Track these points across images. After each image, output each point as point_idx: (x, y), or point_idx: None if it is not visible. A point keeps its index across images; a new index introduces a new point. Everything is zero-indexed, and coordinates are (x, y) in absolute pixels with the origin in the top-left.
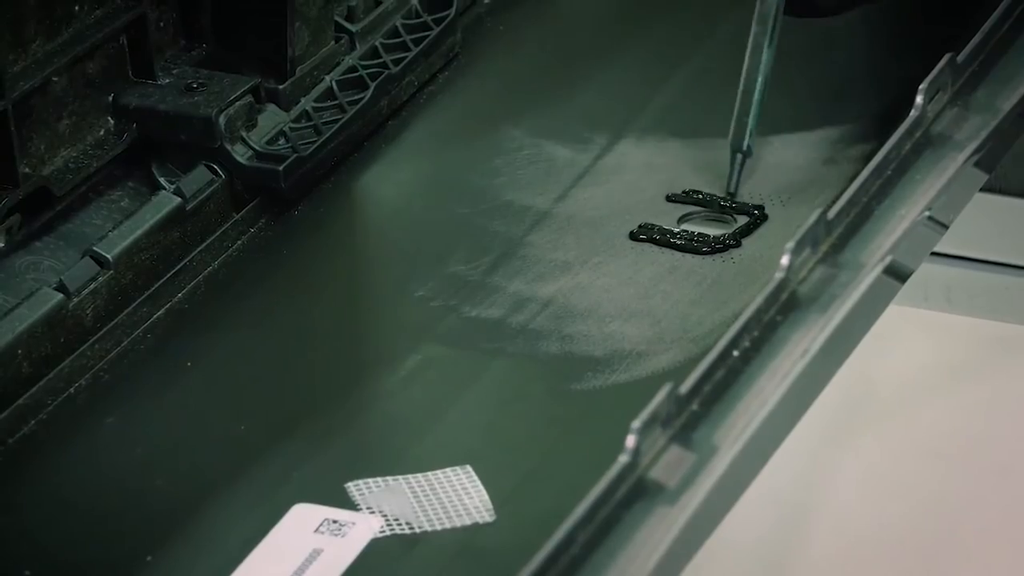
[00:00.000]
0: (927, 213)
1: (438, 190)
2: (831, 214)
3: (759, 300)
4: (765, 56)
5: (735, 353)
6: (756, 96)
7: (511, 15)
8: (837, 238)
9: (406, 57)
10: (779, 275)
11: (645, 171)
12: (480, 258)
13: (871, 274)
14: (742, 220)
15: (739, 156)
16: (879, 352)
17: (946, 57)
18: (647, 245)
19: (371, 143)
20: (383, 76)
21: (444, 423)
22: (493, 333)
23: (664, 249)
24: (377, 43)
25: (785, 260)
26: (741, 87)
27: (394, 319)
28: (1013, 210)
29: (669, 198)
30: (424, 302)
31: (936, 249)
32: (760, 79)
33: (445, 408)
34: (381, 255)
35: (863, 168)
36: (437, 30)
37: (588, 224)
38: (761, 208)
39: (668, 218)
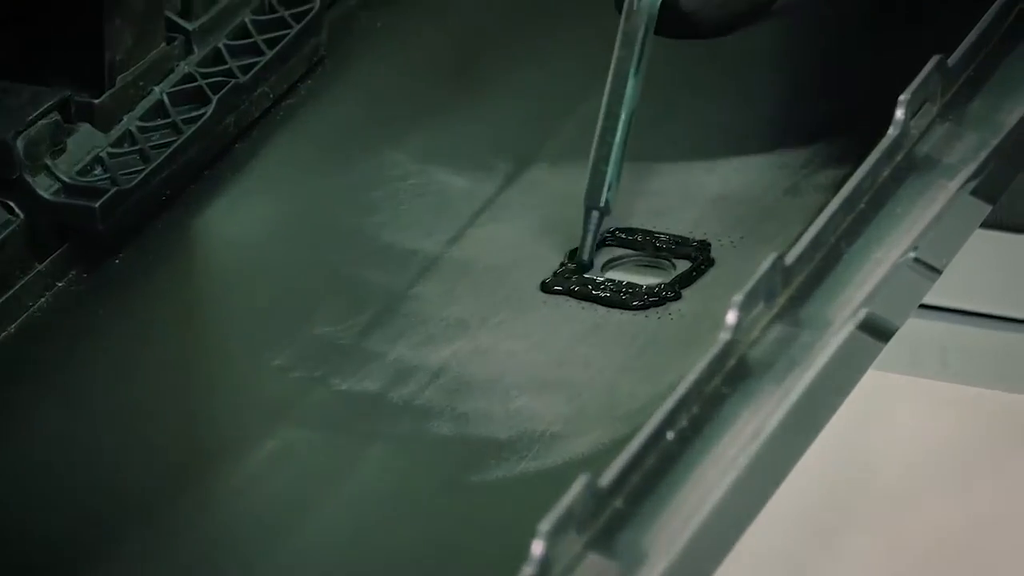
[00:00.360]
0: (913, 254)
1: (299, 231)
2: (790, 258)
3: (700, 367)
4: (630, 87)
5: (670, 435)
6: (618, 137)
7: (391, 8)
8: (798, 288)
9: (258, 62)
10: (725, 336)
11: (562, 204)
12: (353, 316)
13: (842, 332)
14: (683, 266)
15: (595, 214)
16: (858, 433)
17: (934, 60)
18: (563, 299)
19: (214, 171)
20: (228, 87)
21: (307, 526)
22: (370, 412)
23: (585, 303)
24: (220, 45)
25: (732, 317)
26: (599, 127)
27: (244, 395)
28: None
29: None
30: (282, 373)
31: (926, 300)
32: (624, 115)
33: (308, 507)
34: (227, 314)
35: (832, 199)
36: (297, 28)
37: (489, 272)
38: (706, 250)
39: (592, 263)
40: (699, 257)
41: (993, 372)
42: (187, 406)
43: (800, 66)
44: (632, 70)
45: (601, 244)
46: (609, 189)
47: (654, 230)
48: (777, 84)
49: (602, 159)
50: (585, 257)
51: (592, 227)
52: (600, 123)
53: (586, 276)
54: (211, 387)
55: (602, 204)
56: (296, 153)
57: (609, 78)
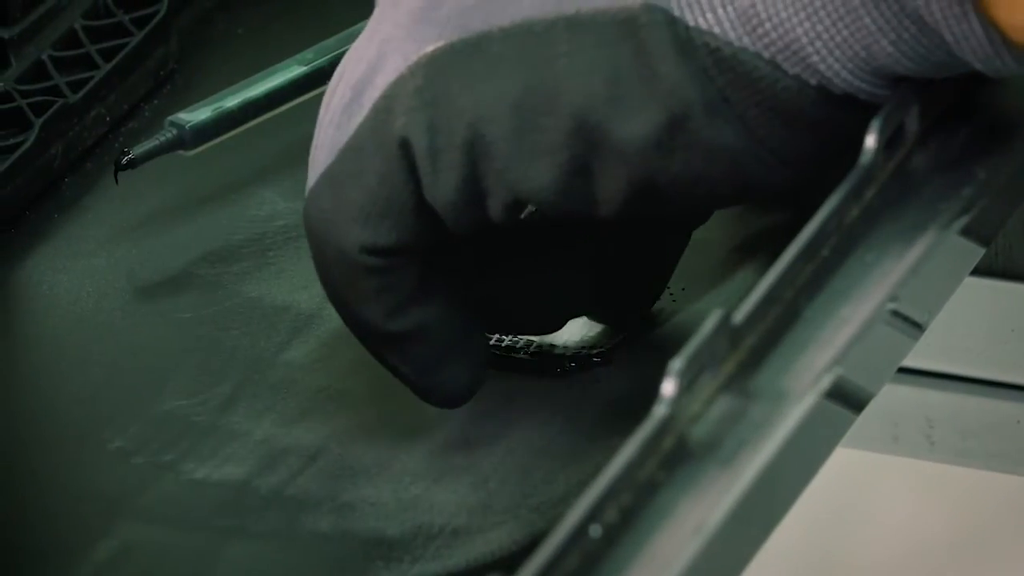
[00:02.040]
0: (891, 306)
1: (143, 284)
2: (739, 316)
3: (631, 448)
4: None
5: (595, 530)
6: None
7: (254, 11)
8: (749, 352)
9: (91, 78)
10: (661, 410)
11: None
12: (211, 388)
13: (803, 403)
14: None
15: None
16: (828, 526)
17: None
18: None
19: (38, 212)
20: (54, 108)
21: None
22: (231, 504)
23: (495, 371)
24: (45, 56)
25: (669, 387)
26: None
27: (76, 485)
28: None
29: None
30: (123, 457)
31: (907, 363)
32: None
33: None
34: (55, 386)
35: (789, 245)
36: (140, 36)
37: None
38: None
39: None
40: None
41: (989, 450)
42: (5, 500)
43: None
44: None
45: None
46: None
47: None
48: None
49: None
50: None
51: None
52: None
53: (498, 338)
54: (35, 476)
55: None
56: (139, 190)
57: None
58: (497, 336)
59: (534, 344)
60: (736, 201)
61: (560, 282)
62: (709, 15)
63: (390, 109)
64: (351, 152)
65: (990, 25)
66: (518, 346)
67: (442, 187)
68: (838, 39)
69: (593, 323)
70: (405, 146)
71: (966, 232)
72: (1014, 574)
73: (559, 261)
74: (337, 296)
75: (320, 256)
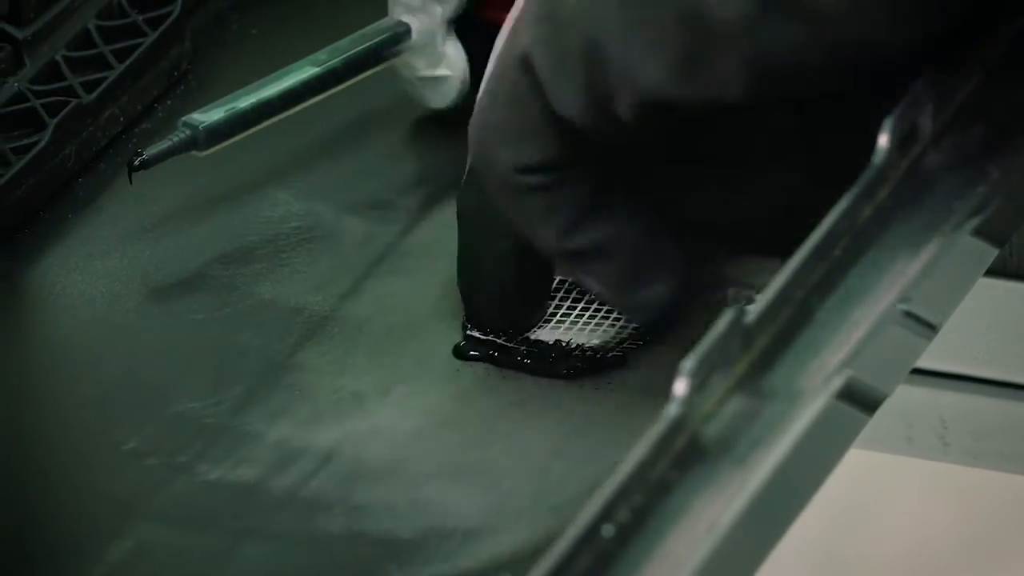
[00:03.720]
0: (903, 307)
1: (158, 285)
2: (751, 316)
3: (644, 448)
4: None
5: (608, 530)
6: None
7: (267, 11)
8: (762, 352)
9: (105, 78)
10: (673, 410)
11: None
12: (224, 389)
13: (816, 403)
14: (628, 323)
15: None
16: (841, 527)
17: (925, 76)
18: (481, 366)
19: (51, 212)
20: (69, 108)
21: None
22: (244, 505)
23: (507, 371)
24: (59, 57)
25: (681, 387)
26: None
27: (89, 486)
28: None
29: None
30: (137, 458)
31: (920, 364)
32: None
33: None
34: (68, 387)
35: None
36: (153, 36)
37: (391, 334)
38: None
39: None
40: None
41: (1002, 451)
42: (19, 501)
43: None
44: None
45: None
46: None
47: None
48: None
49: None
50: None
51: None
52: None
53: (510, 337)
54: (48, 477)
55: None
56: (152, 190)
57: None
58: (513, 337)
59: (551, 345)
60: (856, 74)
61: (762, 192)
62: None
63: (515, 31)
64: (491, 80)
65: None
66: (533, 348)
67: (567, 97)
68: None
69: (607, 326)
70: (526, 63)
71: (980, 232)
72: None
73: (757, 168)
74: (513, 221)
75: (485, 185)
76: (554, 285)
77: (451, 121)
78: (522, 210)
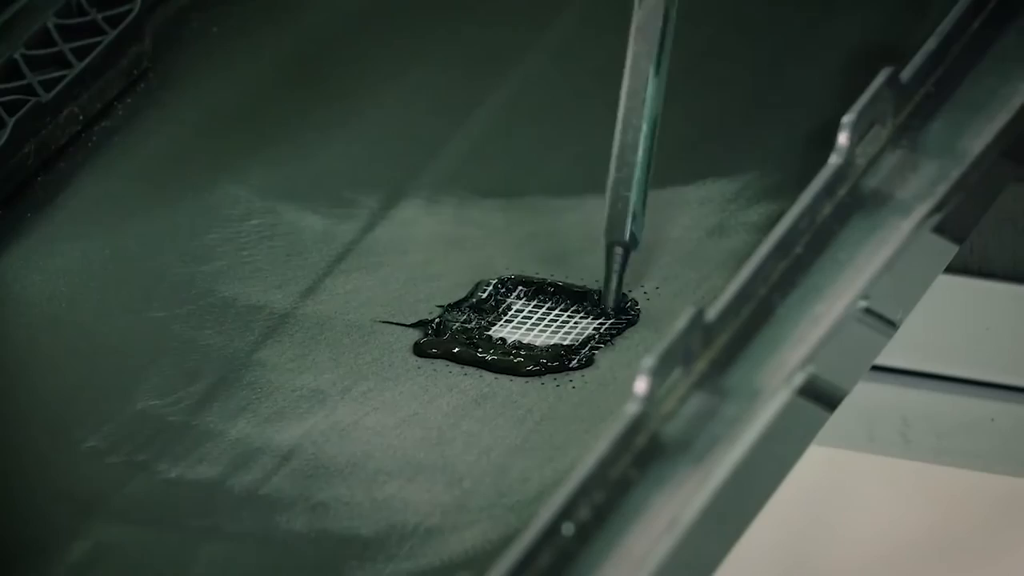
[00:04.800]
0: (863, 304)
1: (117, 283)
2: (712, 313)
3: (604, 446)
4: (651, 91)
5: (568, 528)
6: (640, 155)
7: (228, 9)
8: (722, 349)
9: (64, 77)
10: (633, 408)
11: (440, 248)
12: (184, 387)
13: (776, 400)
14: (588, 323)
15: (618, 251)
16: (803, 526)
17: (883, 73)
18: (442, 363)
19: (10, 211)
20: (28, 106)
21: None
22: (205, 503)
23: (468, 368)
24: (17, 55)
25: (642, 385)
26: (616, 143)
27: (49, 485)
28: (999, 301)
29: (478, 289)
30: (97, 457)
31: (881, 361)
32: (646, 127)
33: None
34: (27, 386)
35: (762, 241)
36: (113, 34)
37: (351, 331)
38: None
39: (477, 321)
40: (607, 311)
41: (964, 448)
42: None
43: (725, 80)
44: (652, 69)
45: (488, 298)
46: (634, 219)
47: (550, 279)
48: (696, 104)
49: (622, 183)
50: (610, 303)
51: (617, 267)
52: (617, 139)
53: (470, 335)
54: (7, 477)
55: (626, 237)
56: (112, 188)
57: (624, 81)
58: (474, 336)
59: (511, 343)
60: None
61: None
62: None
63: None
64: None
65: None
66: (493, 345)
67: None
68: None
69: (572, 328)
70: None
71: (939, 230)
72: (989, 572)
73: None
74: None
75: None
76: (519, 288)
77: (413, 120)
78: None
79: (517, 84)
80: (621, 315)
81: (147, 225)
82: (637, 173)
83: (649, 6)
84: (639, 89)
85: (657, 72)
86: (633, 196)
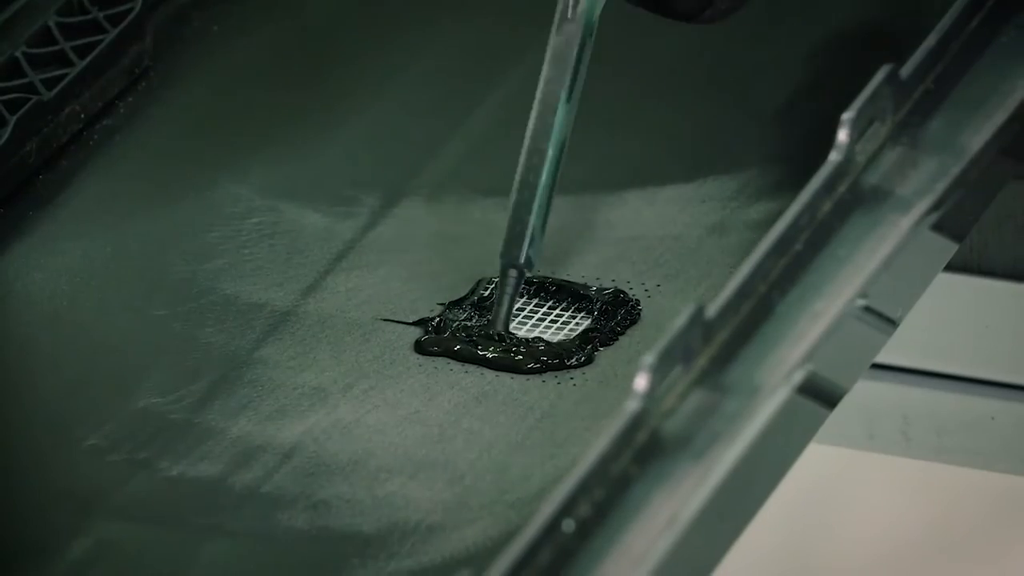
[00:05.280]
0: (863, 302)
1: (118, 281)
2: (712, 310)
3: (604, 443)
4: (560, 117)
5: (568, 525)
6: (544, 179)
7: (229, 8)
8: (722, 346)
9: (65, 75)
10: (633, 405)
11: (441, 246)
12: (186, 385)
13: (775, 398)
14: (589, 320)
15: (512, 273)
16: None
17: (883, 70)
18: (443, 361)
19: (12, 210)
20: (29, 105)
21: None
22: (206, 501)
23: (469, 366)
24: (19, 53)
25: (642, 382)
26: (521, 165)
27: (50, 483)
28: (999, 299)
29: (479, 287)
30: (98, 455)
31: (881, 359)
32: (551, 152)
33: None
34: (29, 383)
35: (762, 239)
36: (114, 33)
37: (352, 329)
38: (620, 301)
39: (478, 319)
40: (609, 309)
41: (965, 446)
42: None
43: (725, 81)
44: (564, 95)
45: (489, 296)
46: (531, 243)
47: (552, 277)
48: (697, 103)
49: (523, 205)
50: (499, 326)
51: (510, 289)
52: (522, 161)
53: (471, 332)
54: (8, 475)
55: (522, 260)
56: (113, 187)
57: (534, 105)
58: (474, 334)
59: (511, 341)
60: None
61: None
62: None
63: None
64: None
65: None
66: (494, 343)
67: None
68: None
69: (568, 324)
70: None
71: (939, 227)
72: (989, 570)
73: None
74: None
75: None
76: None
77: (414, 119)
78: None
79: (517, 83)
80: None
81: (148, 223)
82: (538, 197)
83: (566, 33)
84: (548, 114)
85: (568, 99)
86: (532, 219)
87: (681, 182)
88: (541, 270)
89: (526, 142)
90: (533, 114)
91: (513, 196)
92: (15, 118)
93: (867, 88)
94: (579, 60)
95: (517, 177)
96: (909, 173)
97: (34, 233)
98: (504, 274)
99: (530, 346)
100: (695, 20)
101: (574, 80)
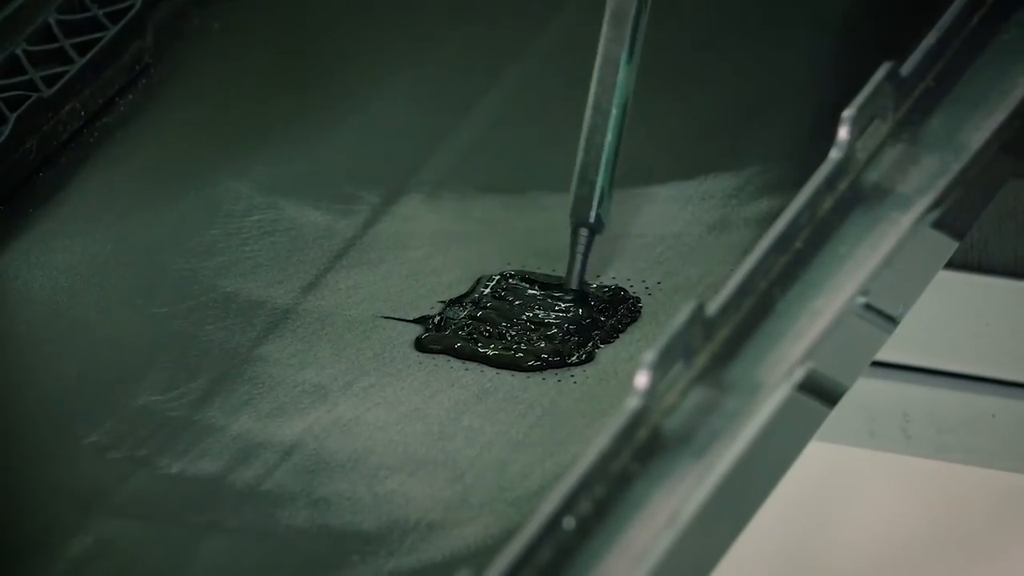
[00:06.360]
0: (863, 299)
1: (118, 279)
2: (712, 307)
3: (605, 441)
4: (622, 76)
5: (569, 522)
6: (609, 137)
7: (229, 6)
8: (723, 344)
9: (66, 73)
10: (634, 402)
11: (441, 243)
12: (185, 383)
13: (776, 396)
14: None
15: (583, 233)
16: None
17: (884, 68)
18: (443, 358)
19: (11, 207)
20: (29, 102)
21: None
22: (206, 498)
23: (469, 364)
24: (19, 51)
25: (642, 379)
26: (586, 125)
27: (50, 480)
28: (1000, 296)
29: (480, 285)
30: (98, 453)
31: (882, 357)
32: (615, 111)
33: None
34: (29, 381)
35: (763, 236)
36: (114, 30)
37: (353, 327)
38: (621, 300)
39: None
40: (608, 308)
41: (965, 444)
42: None
43: (726, 78)
44: (624, 55)
45: (484, 295)
46: (601, 201)
47: (552, 274)
48: (697, 99)
49: (590, 165)
50: (573, 284)
51: (582, 248)
52: (587, 121)
53: (471, 330)
54: (8, 472)
55: (592, 219)
56: (114, 184)
57: (596, 65)
58: (474, 331)
59: (511, 339)
60: None
61: None
62: None
63: None
64: None
65: None
66: (495, 341)
67: None
68: None
69: (567, 323)
70: None
71: (940, 225)
72: (990, 568)
73: None
74: None
75: None
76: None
77: (414, 116)
78: None
79: (517, 80)
80: (585, 301)
81: (148, 221)
82: (605, 156)
83: None
84: (610, 73)
85: (630, 58)
86: (600, 179)
87: (682, 179)
88: (541, 267)
89: (590, 102)
90: (595, 74)
91: (579, 157)
92: (15, 115)
93: (868, 86)
94: (638, 18)
95: (583, 138)
96: (910, 171)
97: (34, 231)
98: (575, 233)
99: (529, 344)
100: None
101: (634, 39)
